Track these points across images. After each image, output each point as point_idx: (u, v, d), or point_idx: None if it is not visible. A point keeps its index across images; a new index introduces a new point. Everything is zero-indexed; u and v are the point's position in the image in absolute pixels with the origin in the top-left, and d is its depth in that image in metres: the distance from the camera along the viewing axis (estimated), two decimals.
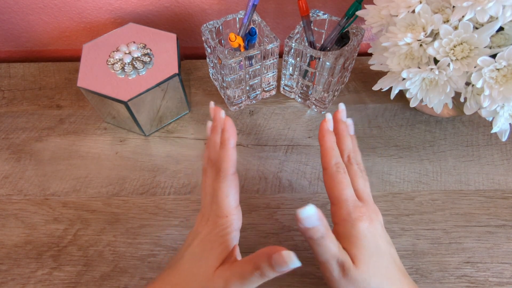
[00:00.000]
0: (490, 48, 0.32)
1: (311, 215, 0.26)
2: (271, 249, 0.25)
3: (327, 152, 0.32)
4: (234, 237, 0.30)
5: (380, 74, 0.40)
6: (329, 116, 0.34)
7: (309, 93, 0.48)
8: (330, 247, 0.28)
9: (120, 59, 0.43)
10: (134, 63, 0.42)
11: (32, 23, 0.54)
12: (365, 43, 0.59)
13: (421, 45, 0.33)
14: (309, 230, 0.27)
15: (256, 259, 0.26)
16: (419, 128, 0.47)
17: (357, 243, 0.29)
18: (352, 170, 0.32)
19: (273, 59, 0.45)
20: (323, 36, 0.47)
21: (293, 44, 0.42)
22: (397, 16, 0.34)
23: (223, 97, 0.50)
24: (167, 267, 0.30)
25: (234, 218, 0.30)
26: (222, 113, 0.35)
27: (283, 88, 0.50)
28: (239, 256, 0.29)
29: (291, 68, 0.47)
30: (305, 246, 0.39)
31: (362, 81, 0.52)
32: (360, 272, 0.28)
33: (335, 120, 0.35)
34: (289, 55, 0.44)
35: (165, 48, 0.45)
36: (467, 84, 0.34)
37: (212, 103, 0.37)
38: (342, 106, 0.35)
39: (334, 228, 0.31)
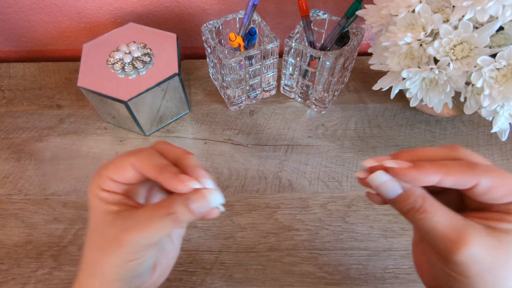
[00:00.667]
0: (490, 47, 0.32)
1: (385, 181, 0.22)
2: (182, 196, 0.22)
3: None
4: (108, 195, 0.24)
5: (380, 73, 0.40)
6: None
7: (309, 93, 0.48)
8: (436, 222, 0.21)
9: (120, 59, 0.43)
10: (134, 63, 0.42)
11: (32, 23, 0.54)
12: (365, 43, 0.59)
13: (421, 44, 0.33)
14: (395, 202, 0.22)
15: (167, 203, 0.23)
16: (419, 128, 0.47)
17: None
18: None
19: (273, 59, 0.45)
20: (323, 36, 0.47)
21: (293, 44, 0.42)
22: (397, 15, 0.34)
23: (223, 97, 0.50)
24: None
25: (107, 181, 0.24)
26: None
27: (283, 88, 0.50)
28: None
29: (291, 68, 0.47)
30: (305, 246, 0.39)
31: (362, 80, 0.52)
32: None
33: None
34: (289, 55, 0.44)
35: (165, 48, 0.45)
36: (467, 83, 0.34)
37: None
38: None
39: (500, 206, 0.22)
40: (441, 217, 0.21)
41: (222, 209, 0.23)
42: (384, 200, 0.23)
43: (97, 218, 0.24)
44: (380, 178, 0.22)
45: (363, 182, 0.23)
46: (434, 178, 0.21)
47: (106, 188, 0.24)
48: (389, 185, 0.22)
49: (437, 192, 0.24)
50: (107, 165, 0.24)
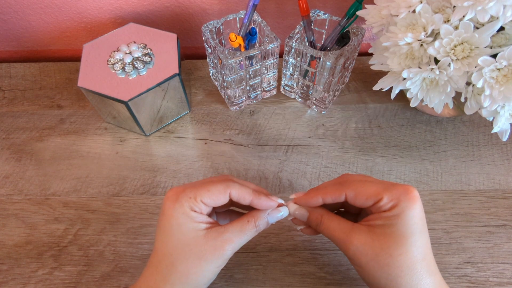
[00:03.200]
0: (491, 48, 0.32)
1: (295, 210, 0.32)
2: (263, 211, 0.31)
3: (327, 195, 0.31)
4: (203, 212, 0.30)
5: (381, 74, 0.40)
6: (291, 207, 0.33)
7: (310, 93, 0.48)
8: (333, 227, 0.30)
9: (120, 59, 0.43)
10: (135, 63, 0.42)
11: (33, 23, 0.54)
12: (365, 43, 0.59)
13: (421, 45, 0.33)
14: (307, 222, 0.32)
15: (250, 217, 0.30)
16: (420, 128, 0.47)
17: (405, 223, 0.28)
18: None
19: (273, 59, 0.45)
20: (324, 36, 0.47)
21: (294, 44, 0.42)
22: (397, 16, 0.34)
23: (223, 97, 0.50)
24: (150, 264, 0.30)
25: (198, 202, 0.29)
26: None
27: (284, 88, 0.50)
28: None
29: (291, 68, 0.47)
30: (305, 246, 0.39)
31: (363, 81, 0.52)
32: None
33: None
34: (290, 55, 0.44)
35: (166, 48, 0.45)
36: (468, 84, 0.34)
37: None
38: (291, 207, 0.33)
39: (376, 207, 0.29)
40: (335, 226, 0.30)
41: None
42: (314, 230, 0.32)
43: (185, 234, 0.28)
44: (292, 208, 0.32)
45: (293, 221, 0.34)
46: (318, 199, 0.30)
47: (196, 210, 0.29)
48: (299, 211, 0.32)
49: (354, 213, 0.34)
50: (202, 191, 0.29)
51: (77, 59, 0.47)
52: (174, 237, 0.28)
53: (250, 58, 0.43)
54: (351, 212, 0.34)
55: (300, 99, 0.50)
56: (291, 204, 0.32)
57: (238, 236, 0.29)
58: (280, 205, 0.32)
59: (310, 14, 0.43)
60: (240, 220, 0.30)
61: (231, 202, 0.32)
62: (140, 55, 0.43)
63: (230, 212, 0.35)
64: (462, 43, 0.32)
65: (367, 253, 0.28)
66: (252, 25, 0.45)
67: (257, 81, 0.47)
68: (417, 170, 0.44)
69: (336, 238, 0.29)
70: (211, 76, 0.52)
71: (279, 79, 0.50)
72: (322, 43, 0.46)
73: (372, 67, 0.40)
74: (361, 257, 0.28)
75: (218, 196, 0.29)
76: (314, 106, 0.49)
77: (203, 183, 0.30)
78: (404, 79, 0.36)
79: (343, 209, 0.35)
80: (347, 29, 0.43)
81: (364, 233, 0.28)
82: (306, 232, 0.33)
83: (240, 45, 0.43)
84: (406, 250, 0.27)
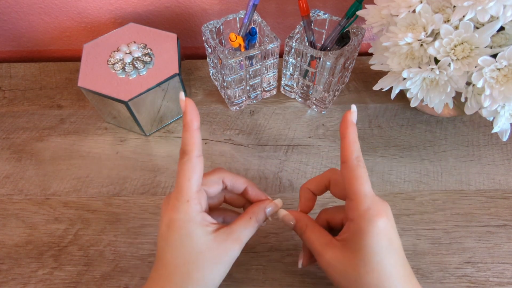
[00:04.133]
0: (491, 47, 0.32)
1: (284, 215, 0.33)
2: (261, 204, 0.32)
3: (350, 145, 0.29)
4: (204, 218, 0.30)
5: (381, 74, 0.40)
6: (354, 108, 0.31)
7: (310, 93, 0.48)
8: (313, 238, 0.30)
9: (120, 59, 0.43)
10: (135, 63, 0.42)
11: (33, 23, 0.54)
12: (365, 43, 0.59)
13: (421, 45, 0.33)
14: (293, 229, 0.33)
15: (251, 214, 0.31)
16: (420, 128, 0.47)
17: (370, 241, 0.27)
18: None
19: (273, 59, 0.45)
20: (324, 36, 0.47)
21: (294, 44, 0.42)
22: (397, 16, 0.34)
23: (223, 97, 0.50)
24: (153, 269, 0.30)
25: (195, 203, 0.29)
26: (182, 95, 0.30)
27: (284, 88, 0.50)
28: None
29: (291, 68, 0.47)
30: None
31: (363, 81, 0.52)
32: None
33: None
34: (290, 55, 0.44)
35: (166, 48, 0.45)
36: (468, 84, 0.34)
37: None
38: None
39: (347, 224, 0.29)
40: (315, 237, 0.31)
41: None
42: (310, 258, 0.34)
43: (196, 242, 0.28)
44: (281, 213, 0.33)
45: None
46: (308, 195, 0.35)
47: (199, 210, 0.29)
48: (287, 218, 0.33)
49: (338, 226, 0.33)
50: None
51: (77, 59, 0.47)
52: (185, 248, 0.28)
53: (250, 58, 0.43)
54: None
55: (300, 99, 0.50)
56: (281, 210, 0.33)
57: (244, 233, 0.30)
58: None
59: (310, 14, 0.43)
60: (242, 218, 0.31)
61: (224, 199, 0.34)
62: (140, 55, 0.43)
63: (223, 210, 0.35)
64: (462, 43, 0.32)
65: (337, 269, 0.28)
66: (252, 25, 0.45)
67: (257, 81, 0.47)
68: (417, 170, 0.44)
69: (313, 249, 0.30)
70: (211, 76, 0.52)
71: (279, 79, 0.50)
72: (322, 43, 0.46)
73: (372, 67, 0.40)
74: (332, 272, 0.29)
75: (213, 184, 0.31)
76: (314, 106, 0.49)
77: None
78: (404, 79, 0.36)
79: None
80: (347, 29, 0.43)
81: (337, 248, 0.29)
82: (305, 265, 0.34)
83: (240, 45, 0.43)
84: (372, 269, 0.27)
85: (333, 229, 0.33)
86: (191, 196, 0.28)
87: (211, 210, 0.34)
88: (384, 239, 0.27)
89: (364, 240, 0.27)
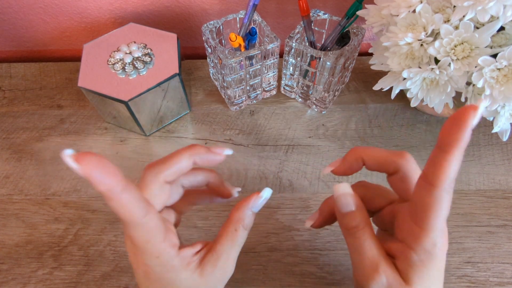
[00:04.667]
0: (491, 47, 0.32)
1: (346, 193, 0.25)
2: (245, 204, 0.27)
3: (452, 163, 0.21)
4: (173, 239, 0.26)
5: (381, 74, 0.40)
6: (484, 105, 0.21)
7: (310, 93, 0.48)
8: (368, 245, 0.24)
9: (120, 59, 0.43)
10: (135, 63, 0.42)
11: (33, 23, 0.54)
12: (365, 43, 0.59)
13: (421, 44, 0.33)
14: (345, 216, 0.25)
15: (235, 223, 0.26)
16: (420, 128, 0.47)
17: (428, 277, 0.24)
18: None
19: (273, 59, 0.45)
20: (324, 36, 0.47)
21: (294, 44, 0.42)
22: (397, 15, 0.34)
23: (223, 97, 0.50)
24: None
25: (167, 252, 0.24)
26: (67, 153, 0.20)
27: (284, 88, 0.50)
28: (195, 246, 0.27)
29: (291, 68, 0.47)
30: (305, 246, 0.39)
31: (363, 81, 0.52)
32: None
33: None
34: (290, 55, 0.44)
35: (166, 48, 0.45)
36: (468, 84, 0.34)
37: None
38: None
39: (403, 251, 0.24)
40: (369, 245, 0.24)
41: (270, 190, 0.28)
42: (323, 222, 0.28)
43: (183, 285, 0.25)
44: (345, 189, 0.25)
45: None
46: (358, 162, 0.27)
47: (176, 243, 0.25)
48: (348, 198, 0.25)
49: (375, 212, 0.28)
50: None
51: (77, 59, 0.47)
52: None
53: (250, 58, 0.43)
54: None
55: (300, 99, 0.50)
56: (344, 184, 0.25)
57: (233, 251, 0.26)
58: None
59: (310, 14, 0.43)
60: (226, 232, 0.26)
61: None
62: (140, 55, 0.43)
63: (194, 193, 0.31)
64: (462, 43, 0.32)
65: None
66: (252, 25, 0.45)
67: (257, 81, 0.47)
68: None
69: (362, 259, 0.24)
70: (211, 76, 0.52)
71: (279, 79, 0.50)
72: (322, 43, 0.46)
73: (372, 67, 0.40)
74: None
75: (173, 195, 0.27)
76: (314, 106, 0.49)
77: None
78: (404, 79, 0.36)
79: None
80: (347, 29, 0.43)
81: (390, 274, 0.24)
82: (315, 226, 0.29)
83: (240, 45, 0.43)
84: None
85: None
86: (159, 251, 0.24)
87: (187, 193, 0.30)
88: (439, 278, 0.25)
89: (421, 274, 0.24)
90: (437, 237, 0.23)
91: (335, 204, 0.25)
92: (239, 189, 0.31)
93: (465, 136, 0.20)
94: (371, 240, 0.24)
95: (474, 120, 0.19)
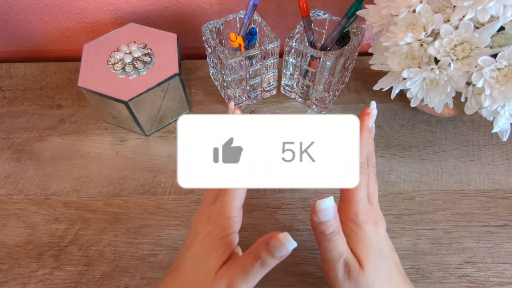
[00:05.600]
0: (491, 47, 0.32)
1: (329, 208, 0.26)
2: (267, 236, 0.26)
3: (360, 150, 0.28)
4: (234, 239, 0.30)
5: (381, 74, 0.40)
6: (374, 111, 0.31)
7: (310, 93, 0.48)
8: (340, 245, 0.28)
9: (120, 59, 0.43)
10: (135, 63, 0.42)
11: (33, 23, 0.54)
12: (365, 43, 0.59)
13: (421, 44, 0.33)
14: (322, 224, 0.27)
15: (254, 250, 0.26)
16: (420, 128, 0.47)
17: (362, 245, 0.29)
18: (368, 172, 0.32)
19: (273, 59, 0.45)
20: (324, 36, 0.47)
21: (294, 44, 0.42)
22: (397, 15, 0.34)
23: (223, 97, 0.50)
24: (169, 271, 0.30)
25: (236, 220, 0.30)
26: (232, 105, 0.33)
27: (284, 88, 0.50)
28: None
29: (291, 68, 0.47)
30: (305, 246, 0.39)
31: (363, 81, 0.52)
32: (365, 276, 0.28)
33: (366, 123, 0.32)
34: (290, 55, 0.44)
35: (166, 48, 0.45)
36: (468, 84, 0.34)
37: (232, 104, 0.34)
38: (373, 105, 0.32)
39: (342, 229, 0.30)
40: (340, 243, 0.28)
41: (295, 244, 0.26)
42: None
43: (210, 264, 0.28)
44: (330, 203, 0.27)
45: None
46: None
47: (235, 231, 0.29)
48: (330, 210, 0.27)
49: None
50: (230, 209, 0.29)
51: (77, 59, 0.47)
52: (202, 264, 0.28)
53: (250, 58, 0.43)
54: None
55: (300, 99, 0.50)
56: (329, 200, 0.28)
57: (240, 280, 0.27)
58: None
59: (310, 14, 0.43)
60: (242, 256, 0.28)
61: None
62: (140, 55, 0.43)
63: None
64: (462, 43, 0.32)
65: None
66: (252, 25, 0.45)
67: (257, 81, 0.47)
68: (417, 170, 0.44)
69: (327, 256, 0.29)
70: (211, 76, 0.52)
71: (279, 79, 0.50)
72: (322, 43, 0.46)
73: (372, 67, 0.40)
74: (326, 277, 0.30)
75: (240, 212, 0.30)
76: (314, 106, 0.49)
77: (223, 210, 0.29)
78: (404, 79, 0.36)
79: None
80: (347, 29, 0.43)
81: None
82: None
83: (240, 45, 0.43)
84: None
85: None
86: (232, 214, 0.29)
87: None
88: (372, 246, 0.28)
89: (353, 245, 0.28)
90: (359, 208, 0.29)
91: (313, 213, 0.27)
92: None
93: (363, 132, 0.29)
94: (342, 240, 0.28)
95: (369, 121, 0.30)
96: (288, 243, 0.25)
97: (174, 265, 0.30)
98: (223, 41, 0.47)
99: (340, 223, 0.29)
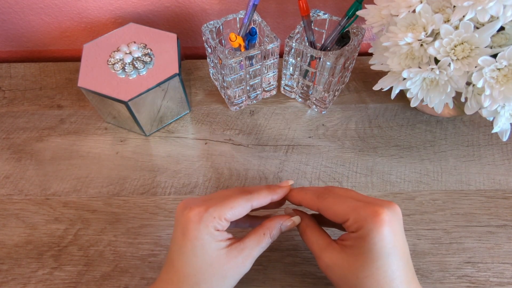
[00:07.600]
0: (491, 47, 0.32)
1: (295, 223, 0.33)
2: (278, 219, 0.32)
3: (305, 196, 0.32)
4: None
5: (381, 74, 0.40)
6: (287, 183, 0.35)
7: (310, 93, 0.48)
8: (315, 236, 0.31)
9: (120, 59, 0.43)
10: (135, 63, 0.42)
11: (33, 23, 0.54)
12: (365, 43, 0.59)
13: (421, 45, 0.33)
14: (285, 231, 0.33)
15: (265, 229, 0.31)
16: (420, 128, 0.47)
17: (371, 247, 0.28)
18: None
19: (273, 59, 0.45)
20: (324, 36, 0.47)
21: (294, 44, 0.42)
22: (397, 16, 0.34)
23: (223, 97, 0.50)
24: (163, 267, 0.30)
25: (220, 222, 0.30)
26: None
27: (284, 88, 0.50)
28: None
29: (291, 68, 0.47)
30: (305, 246, 0.39)
31: (363, 81, 0.52)
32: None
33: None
34: (290, 55, 0.44)
35: (166, 48, 0.45)
36: (468, 84, 0.34)
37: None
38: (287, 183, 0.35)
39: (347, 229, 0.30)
40: (313, 239, 0.31)
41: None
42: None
43: (209, 254, 0.29)
44: (288, 211, 0.35)
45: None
46: (296, 201, 0.33)
47: (219, 228, 0.29)
48: (295, 217, 0.33)
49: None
50: (226, 210, 0.29)
51: (77, 59, 0.47)
52: (198, 258, 0.29)
53: (250, 58, 0.43)
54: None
55: (300, 99, 0.50)
56: (296, 218, 0.34)
57: (256, 250, 0.31)
58: (293, 213, 0.34)
59: (310, 14, 0.43)
60: (256, 234, 0.31)
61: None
62: (140, 55, 0.43)
63: (248, 217, 0.35)
64: (462, 43, 0.32)
65: (336, 272, 0.29)
66: (252, 25, 0.45)
67: (257, 81, 0.47)
68: (417, 170, 0.44)
69: (312, 252, 0.31)
70: (211, 76, 0.52)
71: (279, 79, 0.50)
72: (322, 43, 0.46)
73: (372, 67, 0.40)
74: (331, 275, 0.29)
75: (241, 212, 0.30)
76: (314, 106, 0.49)
77: (223, 200, 0.30)
78: (404, 79, 0.36)
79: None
80: (347, 29, 0.43)
81: (336, 252, 0.29)
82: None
83: (240, 45, 0.43)
84: (372, 273, 0.27)
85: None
86: (221, 216, 0.29)
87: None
88: (386, 244, 0.27)
89: (365, 246, 0.27)
90: (362, 213, 0.29)
91: (283, 225, 0.33)
92: (292, 181, 0.35)
93: (292, 191, 0.34)
94: (314, 235, 0.31)
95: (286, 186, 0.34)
96: (297, 219, 0.33)
97: (167, 261, 0.31)
98: (223, 41, 0.47)
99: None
